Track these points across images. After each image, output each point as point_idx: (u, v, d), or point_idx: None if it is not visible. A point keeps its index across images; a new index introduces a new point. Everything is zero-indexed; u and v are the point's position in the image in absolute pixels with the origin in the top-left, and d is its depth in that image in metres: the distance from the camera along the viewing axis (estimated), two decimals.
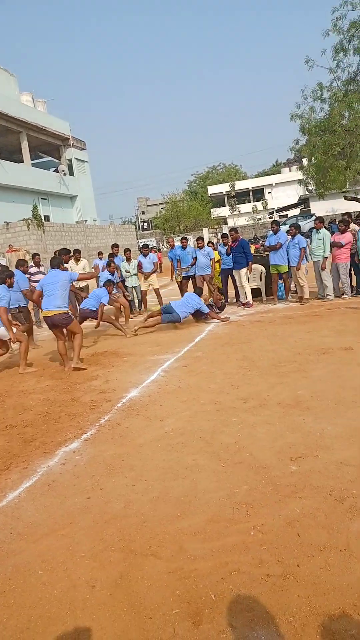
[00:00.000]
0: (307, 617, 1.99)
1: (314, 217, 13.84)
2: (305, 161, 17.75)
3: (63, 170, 33.70)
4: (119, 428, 4.36)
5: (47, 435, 4.41)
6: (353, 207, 20.08)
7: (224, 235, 11.38)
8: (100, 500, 3.14)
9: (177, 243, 11.75)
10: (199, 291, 9.60)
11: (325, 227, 10.50)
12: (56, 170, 33.60)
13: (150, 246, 15.53)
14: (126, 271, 11.54)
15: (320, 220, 10.38)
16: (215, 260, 11.63)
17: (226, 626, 1.99)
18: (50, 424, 4.70)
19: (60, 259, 7.43)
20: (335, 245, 9.95)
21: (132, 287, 11.76)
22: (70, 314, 7.07)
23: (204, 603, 2.13)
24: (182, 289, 11.62)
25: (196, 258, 11.28)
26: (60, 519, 2.98)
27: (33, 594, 2.33)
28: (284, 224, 27.88)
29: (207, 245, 12.31)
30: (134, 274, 11.63)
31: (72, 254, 10.64)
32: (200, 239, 11.61)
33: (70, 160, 35.36)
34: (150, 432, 4.17)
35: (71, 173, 35.08)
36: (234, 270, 10.76)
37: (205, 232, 36.91)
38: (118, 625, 2.07)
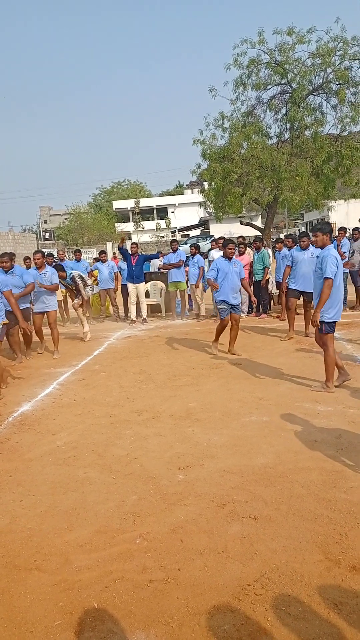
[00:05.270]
0: (185, 617, 2.11)
1: (212, 239, 14.42)
2: (206, 185, 18.53)
3: None
4: (8, 443, 4.23)
5: None
6: (248, 231, 21.30)
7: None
8: None
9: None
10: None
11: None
12: None
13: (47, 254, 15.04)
14: None
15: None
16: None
17: (107, 633, 2.04)
18: None
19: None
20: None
21: None
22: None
23: (86, 612, 2.16)
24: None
25: (98, 271, 11.27)
26: None
27: None
28: (185, 243, 28.82)
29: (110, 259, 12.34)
30: None
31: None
32: (102, 252, 11.64)
33: None
34: (41, 447, 4.10)
35: None
36: (133, 285, 10.55)
37: (109, 246, 36.72)
38: None
